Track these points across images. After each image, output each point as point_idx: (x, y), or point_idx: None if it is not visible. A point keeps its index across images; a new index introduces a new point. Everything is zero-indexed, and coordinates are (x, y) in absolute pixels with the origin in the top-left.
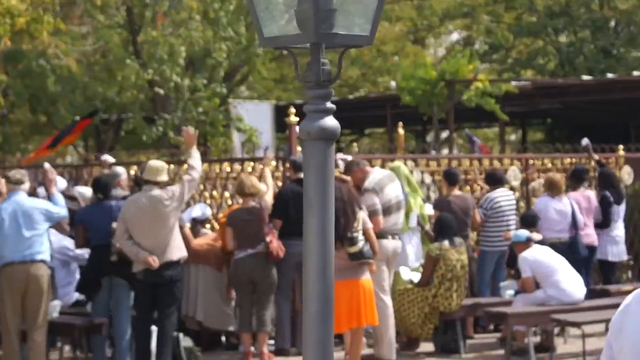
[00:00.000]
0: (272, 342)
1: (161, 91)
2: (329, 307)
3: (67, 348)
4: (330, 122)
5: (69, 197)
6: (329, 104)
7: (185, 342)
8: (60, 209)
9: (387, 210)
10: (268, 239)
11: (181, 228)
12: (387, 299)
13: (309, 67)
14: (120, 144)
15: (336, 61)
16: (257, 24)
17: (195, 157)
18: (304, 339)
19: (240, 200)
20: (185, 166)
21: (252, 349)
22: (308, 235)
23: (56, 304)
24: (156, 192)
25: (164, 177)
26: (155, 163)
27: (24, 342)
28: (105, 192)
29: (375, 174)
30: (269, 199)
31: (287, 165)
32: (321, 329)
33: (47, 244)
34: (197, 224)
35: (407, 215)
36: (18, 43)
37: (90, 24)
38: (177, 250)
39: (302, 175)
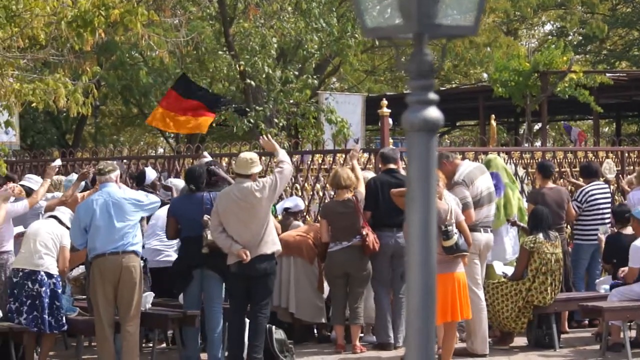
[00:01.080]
0: (364, 335)
1: (252, 83)
2: (431, 299)
3: (159, 340)
4: (433, 113)
5: (164, 187)
6: (432, 95)
7: (278, 334)
8: (152, 199)
9: (478, 203)
10: (364, 231)
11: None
12: (480, 293)
13: (412, 57)
14: (211, 136)
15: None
16: (360, 15)
17: (281, 154)
18: (407, 330)
19: (334, 193)
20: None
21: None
22: (410, 227)
23: (149, 295)
24: (247, 184)
25: (255, 169)
26: (245, 155)
27: (118, 333)
28: (197, 183)
29: (465, 167)
30: (362, 190)
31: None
32: (423, 321)
33: (139, 235)
34: (290, 215)
35: (504, 207)
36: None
37: (183, 15)
38: (272, 244)
39: (391, 166)
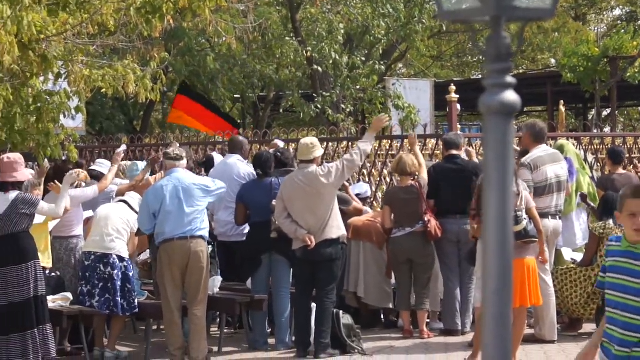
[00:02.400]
0: (431, 321)
1: (320, 69)
2: (507, 284)
3: (227, 324)
4: (511, 96)
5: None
6: (509, 78)
7: (345, 319)
8: (219, 185)
9: (546, 189)
10: (426, 217)
11: (349, 207)
12: (549, 279)
13: (488, 40)
14: (277, 122)
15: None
16: None
17: (368, 142)
18: (484, 315)
19: (398, 179)
20: (344, 143)
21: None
22: (487, 210)
23: (216, 280)
24: (312, 168)
25: (316, 153)
26: (306, 141)
27: (186, 317)
28: (265, 169)
29: (536, 151)
30: (425, 177)
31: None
32: (500, 306)
33: (207, 220)
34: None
35: (576, 193)
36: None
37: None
38: (337, 229)
39: (453, 152)
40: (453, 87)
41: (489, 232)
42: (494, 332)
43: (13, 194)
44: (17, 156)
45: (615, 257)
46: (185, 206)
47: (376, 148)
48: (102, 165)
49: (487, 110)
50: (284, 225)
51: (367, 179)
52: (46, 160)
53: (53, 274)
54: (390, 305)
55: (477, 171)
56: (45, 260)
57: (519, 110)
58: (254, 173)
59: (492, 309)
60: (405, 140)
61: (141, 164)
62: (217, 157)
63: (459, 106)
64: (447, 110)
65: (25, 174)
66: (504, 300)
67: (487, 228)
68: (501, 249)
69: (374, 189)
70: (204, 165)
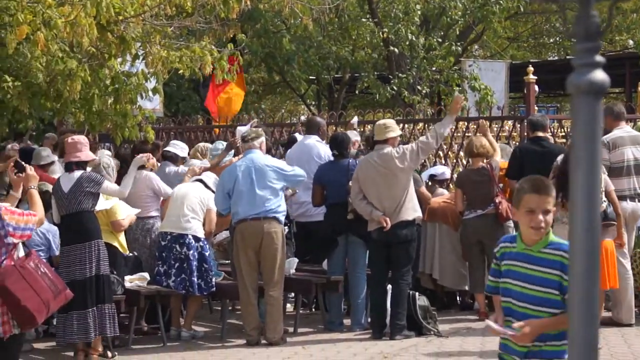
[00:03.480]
0: None
1: (396, 50)
2: (595, 265)
3: (303, 305)
4: (600, 75)
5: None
6: (598, 57)
7: (421, 301)
8: (297, 172)
9: (624, 171)
10: (498, 199)
11: (418, 188)
12: (627, 263)
13: (577, 20)
14: (352, 103)
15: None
16: None
17: (446, 124)
18: (569, 298)
19: (469, 161)
20: (420, 125)
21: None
22: (574, 191)
23: (293, 261)
24: (387, 149)
25: (393, 134)
26: (383, 122)
27: (262, 298)
28: (341, 149)
29: (617, 131)
30: (498, 159)
31: (525, 124)
32: (587, 288)
33: (283, 202)
34: (435, 183)
35: None
36: (256, 3)
37: None
38: (412, 211)
39: (539, 134)
40: (531, 69)
41: (576, 213)
42: (581, 314)
43: (78, 173)
44: (80, 137)
45: (510, 261)
46: (257, 187)
47: (452, 130)
48: (176, 146)
49: (575, 90)
50: (359, 207)
51: (443, 161)
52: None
53: (130, 254)
54: (466, 287)
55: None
56: (116, 242)
57: (607, 90)
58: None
59: (580, 291)
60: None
61: (222, 145)
62: (300, 139)
63: (536, 87)
64: (525, 91)
65: (89, 154)
66: (592, 281)
67: (575, 209)
68: (589, 230)
69: (450, 171)
70: (288, 147)
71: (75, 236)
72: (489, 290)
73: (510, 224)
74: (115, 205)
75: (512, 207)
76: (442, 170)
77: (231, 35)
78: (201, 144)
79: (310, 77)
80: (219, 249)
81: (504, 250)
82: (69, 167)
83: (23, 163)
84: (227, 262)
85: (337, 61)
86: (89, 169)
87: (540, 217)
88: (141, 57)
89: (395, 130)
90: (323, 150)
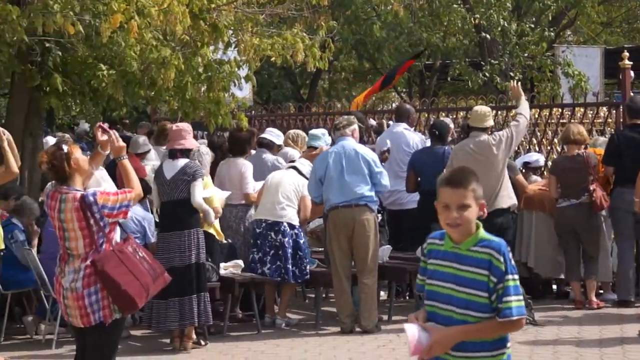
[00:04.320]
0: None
1: (488, 36)
2: None
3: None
4: None
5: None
6: None
7: None
8: (384, 175)
9: None
10: (592, 187)
11: (515, 176)
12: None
13: None
14: (444, 90)
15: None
16: None
17: (523, 106)
18: None
19: (565, 148)
20: (513, 112)
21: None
22: None
23: (386, 249)
24: (483, 137)
25: (489, 122)
26: (481, 109)
27: (355, 286)
28: (441, 137)
29: None
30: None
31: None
32: None
33: (373, 190)
34: (529, 170)
35: None
36: None
37: None
38: (507, 198)
39: (638, 121)
40: (626, 54)
41: None
42: None
43: (182, 162)
44: (185, 125)
45: (437, 260)
46: (346, 174)
47: (546, 116)
48: (272, 133)
49: None
50: None
51: (537, 148)
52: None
53: (225, 242)
54: (562, 276)
55: None
56: (212, 229)
57: None
58: (423, 140)
59: None
60: (577, 109)
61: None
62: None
63: (632, 73)
64: (620, 77)
65: (192, 142)
66: None
67: None
68: None
69: (543, 158)
70: (378, 132)
71: (175, 224)
72: (419, 289)
73: (604, 213)
74: (213, 194)
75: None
76: (537, 157)
77: (322, 23)
78: (292, 131)
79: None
80: (313, 237)
81: (431, 247)
82: (173, 154)
83: (107, 128)
84: (320, 249)
85: (428, 48)
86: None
87: (455, 213)
88: (233, 45)
89: (492, 119)
90: (412, 139)
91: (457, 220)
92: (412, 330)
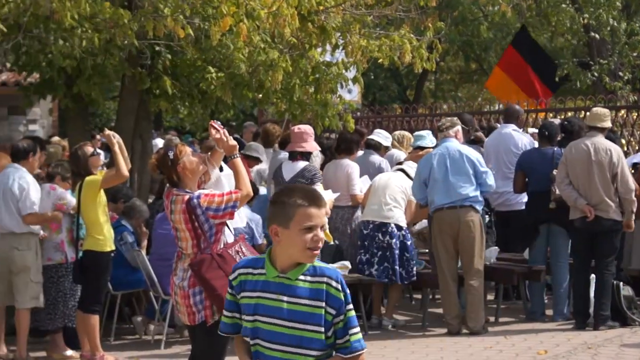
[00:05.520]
0: None
1: (597, 35)
2: None
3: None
4: None
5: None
6: None
7: (625, 290)
8: (489, 175)
9: None
10: None
11: None
12: None
13: None
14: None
15: None
16: None
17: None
18: None
19: None
20: (622, 112)
21: None
22: None
23: (493, 250)
24: (598, 138)
25: (607, 124)
26: (600, 110)
27: (462, 287)
28: (550, 137)
29: None
30: None
31: None
32: None
33: (477, 191)
34: (638, 171)
35: None
36: None
37: None
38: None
39: None
40: None
41: None
42: None
43: (301, 164)
44: (307, 127)
45: (259, 292)
46: (450, 175)
47: None
48: (380, 134)
49: None
50: (564, 192)
51: (624, 148)
52: None
53: (332, 243)
54: None
55: None
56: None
57: None
58: (532, 142)
59: None
60: None
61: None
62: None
63: None
64: None
65: (313, 145)
66: None
67: None
68: None
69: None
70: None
71: None
72: (222, 329)
73: None
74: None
75: (279, 226)
76: None
77: (429, 24)
78: (397, 133)
79: None
80: (419, 238)
81: (243, 278)
82: (293, 156)
83: (219, 126)
84: (426, 251)
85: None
86: None
87: (321, 234)
88: (341, 47)
89: (610, 120)
90: (520, 140)
91: (319, 242)
92: None
